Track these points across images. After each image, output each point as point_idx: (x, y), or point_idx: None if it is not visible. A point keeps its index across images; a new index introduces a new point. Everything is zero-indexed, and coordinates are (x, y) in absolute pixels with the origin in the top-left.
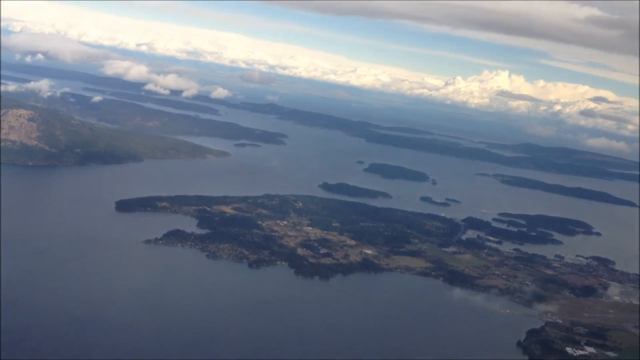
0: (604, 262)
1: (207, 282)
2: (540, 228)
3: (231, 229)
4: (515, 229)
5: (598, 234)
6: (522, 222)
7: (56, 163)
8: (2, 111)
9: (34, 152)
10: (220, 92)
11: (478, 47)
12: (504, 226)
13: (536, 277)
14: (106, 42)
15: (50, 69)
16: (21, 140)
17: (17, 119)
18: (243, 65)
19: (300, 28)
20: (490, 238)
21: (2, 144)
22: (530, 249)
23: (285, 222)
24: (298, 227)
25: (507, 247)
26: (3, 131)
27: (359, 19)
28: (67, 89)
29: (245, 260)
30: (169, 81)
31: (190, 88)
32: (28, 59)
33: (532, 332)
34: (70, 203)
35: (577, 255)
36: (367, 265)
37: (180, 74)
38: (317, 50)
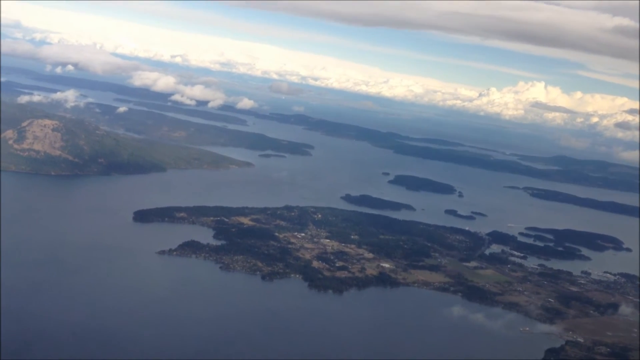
0: (632, 279)
1: (215, 295)
2: (568, 243)
3: (247, 241)
4: (542, 244)
5: (628, 249)
6: (550, 236)
7: (79, 173)
8: (27, 121)
9: (58, 162)
10: (246, 103)
11: (513, 58)
12: (530, 241)
13: (560, 294)
14: (141, 54)
15: (80, 79)
16: (45, 150)
17: (41, 129)
18: (275, 77)
19: (333, 39)
20: (515, 253)
21: (26, 153)
22: (556, 264)
23: (302, 234)
24: (315, 240)
25: (531, 263)
26: (27, 141)
27: (387, 29)
28: (91, 100)
29: (258, 272)
30: (195, 92)
31: (217, 99)
32: (58, 69)
33: (551, 351)
34: (88, 213)
35: (604, 272)
36: (383, 280)
37: (207, 85)
38: (350, 61)
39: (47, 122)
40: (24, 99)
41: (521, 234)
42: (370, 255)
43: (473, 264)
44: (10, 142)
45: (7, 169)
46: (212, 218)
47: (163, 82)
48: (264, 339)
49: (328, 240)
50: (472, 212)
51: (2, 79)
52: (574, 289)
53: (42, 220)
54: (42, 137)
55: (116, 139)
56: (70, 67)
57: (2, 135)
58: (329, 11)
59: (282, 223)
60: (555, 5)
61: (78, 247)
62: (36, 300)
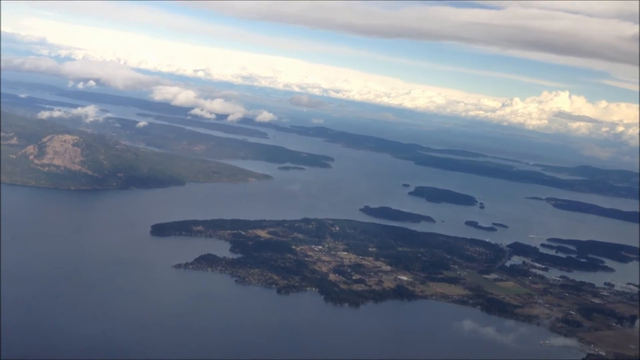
0: None
1: (230, 308)
2: (591, 254)
3: (263, 254)
4: (564, 255)
5: None
6: (572, 247)
7: (98, 187)
8: (48, 137)
9: (77, 177)
10: (265, 116)
11: (536, 67)
12: (552, 252)
13: (581, 306)
14: (164, 69)
15: (102, 94)
16: (65, 165)
17: (61, 144)
18: (297, 89)
19: (354, 51)
20: (537, 265)
21: (46, 168)
22: (578, 276)
23: (320, 247)
24: (333, 252)
25: (553, 274)
26: (47, 156)
27: (406, 40)
28: (110, 114)
29: (274, 285)
30: (215, 106)
31: (236, 112)
32: (80, 85)
33: None
34: (106, 227)
35: (628, 283)
36: (400, 293)
37: (227, 99)
38: (372, 73)
39: (68, 137)
40: (44, 114)
41: (543, 245)
42: (388, 268)
43: (493, 276)
44: (31, 157)
45: (27, 183)
46: (229, 231)
47: (183, 96)
48: (277, 352)
49: (345, 253)
50: (493, 224)
51: (24, 95)
52: (596, 300)
53: (60, 235)
54: (62, 152)
55: (136, 153)
56: (92, 82)
57: (23, 151)
58: (347, 24)
59: (300, 236)
60: (575, 14)
61: (95, 261)
62: (53, 314)
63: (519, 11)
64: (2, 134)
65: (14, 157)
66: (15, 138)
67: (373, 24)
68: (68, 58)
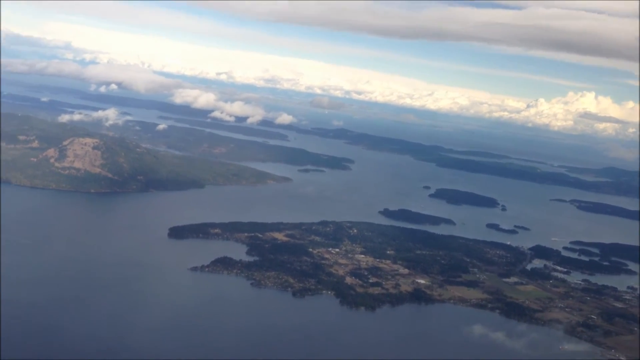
0: None
1: (244, 312)
2: (615, 257)
3: (280, 257)
4: (587, 259)
5: None
6: (595, 250)
7: (118, 190)
8: (68, 140)
9: (97, 180)
10: (285, 118)
11: (562, 68)
12: (574, 255)
13: (603, 310)
14: (187, 72)
15: (124, 98)
16: (85, 168)
17: (82, 147)
18: (319, 91)
19: (376, 53)
20: (558, 268)
21: (66, 172)
22: (600, 279)
23: (337, 250)
24: (350, 255)
25: (575, 278)
26: (68, 159)
27: (427, 42)
28: (130, 117)
29: (290, 289)
30: (235, 108)
31: (256, 115)
32: (102, 89)
33: None
34: (124, 229)
35: None
36: (417, 296)
37: (247, 101)
38: (394, 74)
39: (88, 140)
40: (64, 117)
41: (565, 248)
42: (406, 271)
43: (513, 279)
44: (52, 160)
45: (48, 186)
46: (246, 234)
47: (203, 99)
48: (291, 355)
49: (363, 256)
50: (515, 226)
51: (46, 99)
52: (619, 305)
53: (78, 237)
54: (82, 155)
55: (156, 156)
56: (113, 86)
57: (44, 154)
58: (367, 25)
59: (317, 238)
60: (597, 14)
61: (112, 264)
62: (68, 316)
63: (540, 11)
64: (23, 137)
65: (35, 160)
66: (36, 141)
67: (393, 25)
68: (92, 62)
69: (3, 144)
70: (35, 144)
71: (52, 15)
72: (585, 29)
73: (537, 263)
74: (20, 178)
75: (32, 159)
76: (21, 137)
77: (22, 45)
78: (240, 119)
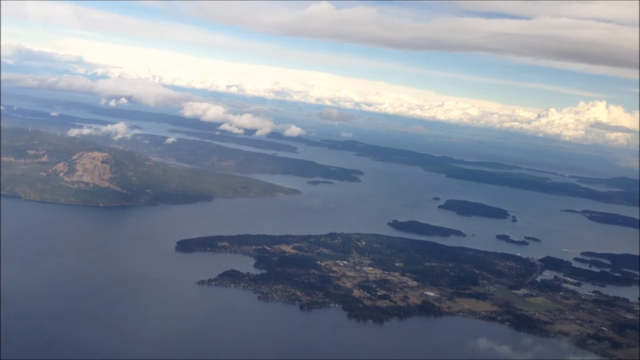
0: None
1: (250, 325)
2: (626, 268)
3: (288, 269)
4: (598, 270)
5: None
6: (607, 262)
7: (127, 204)
8: (78, 154)
9: (106, 194)
10: (293, 130)
11: (572, 77)
12: (585, 266)
13: (614, 322)
14: (198, 85)
15: (134, 111)
16: (94, 182)
17: (91, 161)
18: (329, 103)
19: (386, 64)
20: (569, 279)
21: (75, 186)
22: (612, 291)
23: (345, 262)
24: (358, 267)
25: (586, 289)
26: (77, 173)
27: (435, 52)
28: (138, 131)
29: (297, 302)
30: (244, 121)
31: (264, 127)
32: (112, 103)
33: None
34: (131, 243)
35: None
36: (426, 309)
37: (256, 114)
38: (404, 85)
39: (97, 154)
40: (73, 132)
41: (576, 259)
42: (415, 284)
43: (523, 291)
44: (61, 174)
45: (57, 201)
46: (253, 247)
47: (212, 112)
48: None
49: (371, 268)
50: (525, 237)
51: (55, 113)
52: (630, 316)
53: (86, 251)
54: (91, 169)
55: (165, 170)
56: (123, 100)
57: (53, 169)
58: (376, 37)
59: (325, 251)
60: (606, 23)
61: (119, 278)
62: (71, 330)
63: (549, 21)
64: (32, 151)
65: (44, 174)
66: (45, 156)
67: (402, 36)
68: (104, 76)
69: (12, 159)
70: (44, 159)
71: (64, 30)
72: (595, 39)
73: (548, 274)
74: (30, 192)
75: (41, 173)
76: (31, 152)
77: (34, 60)
78: (249, 132)
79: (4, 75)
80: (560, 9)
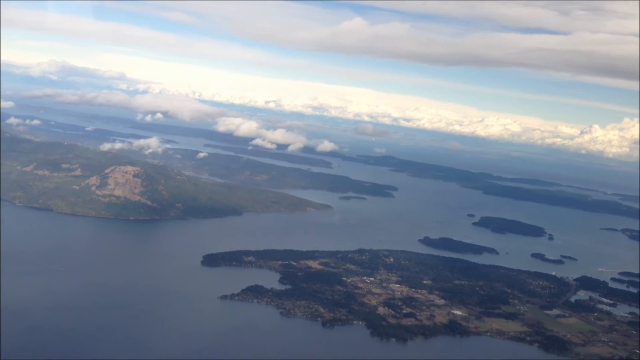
0: None
1: (270, 342)
2: None
3: (312, 285)
4: (635, 290)
5: None
6: None
7: (157, 218)
8: (110, 168)
9: (137, 207)
10: (326, 146)
11: (616, 93)
12: (622, 287)
13: None
14: (236, 101)
15: (170, 126)
16: (125, 195)
17: (123, 175)
18: (366, 119)
19: (424, 80)
20: (604, 300)
21: (107, 199)
22: None
23: (372, 279)
24: (384, 284)
25: (622, 311)
26: (109, 187)
27: (471, 68)
28: (169, 145)
29: (319, 318)
30: (277, 136)
31: (297, 142)
32: (148, 118)
33: None
34: (158, 257)
35: None
36: (452, 328)
37: (289, 129)
38: (444, 101)
39: (129, 168)
40: (106, 146)
41: (613, 279)
42: (442, 302)
43: (555, 311)
44: (93, 188)
45: (88, 214)
46: (279, 262)
47: (246, 127)
48: None
49: (398, 285)
50: (562, 256)
51: (90, 128)
52: None
53: (113, 265)
54: (123, 183)
55: (196, 184)
56: (159, 115)
57: (86, 182)
58: (411, 52)
59: (352, 267)
60: None
61: (143, 292)
62: (89, 345)
63: (587, 36)
64: (66, 165)
65: (77, 187)
66: (79, 169)
67: (437, 52)
68: (145, 92)
69: (47, 172)
70: (77, 172)
71: (107, 47)
72: (635, 54)
73: (582, 295)
74: (62, 205)
75: (74, 186)
76: (64, 165)
77: (78, 76)
78: (282, 147)
79: (46, 91)
80: (599, 25)
